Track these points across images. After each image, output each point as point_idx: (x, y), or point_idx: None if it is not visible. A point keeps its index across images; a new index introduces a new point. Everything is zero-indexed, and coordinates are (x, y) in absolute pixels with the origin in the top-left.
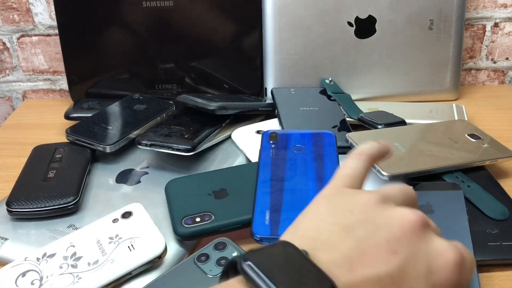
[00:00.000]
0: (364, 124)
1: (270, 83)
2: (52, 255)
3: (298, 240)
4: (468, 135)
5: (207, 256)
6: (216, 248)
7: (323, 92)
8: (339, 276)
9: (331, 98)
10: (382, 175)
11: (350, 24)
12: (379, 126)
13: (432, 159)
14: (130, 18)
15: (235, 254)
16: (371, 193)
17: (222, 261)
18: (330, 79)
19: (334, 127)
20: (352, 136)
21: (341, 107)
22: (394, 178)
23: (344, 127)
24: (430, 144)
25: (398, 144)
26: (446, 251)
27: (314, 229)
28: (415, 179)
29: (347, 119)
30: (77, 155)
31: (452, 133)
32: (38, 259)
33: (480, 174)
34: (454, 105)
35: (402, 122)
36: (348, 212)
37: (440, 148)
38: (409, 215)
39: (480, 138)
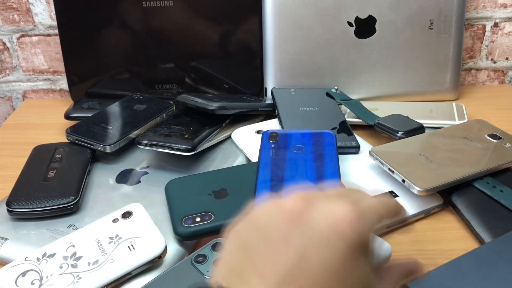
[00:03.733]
0: (381, 130)
1: (270, 83)
2: (52, 255)
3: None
4: (488, 135)
5: (204, 257)
6: (214, 249)
7: (323, 92)
8: None
9: (331, 97)
10: (415, 190)
11: (350, 24)
12: (398, 134)
13: (460, 167)
14: (130, 18)
15: None
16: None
17: None
18: (336, 88)
19: (334, 127)
20: (377, 152)
21: (341, 109)
22: (427, 192)
23: (344, 127)
24: (454, 151)
25: (423, 155)
26: (333, 213)
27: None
28: (448, 190)
29: (348, 119)
30: (77, 155)
31: (472, 135)
32: (38, 259)
33: (507, 176)
34: (454, 104)
35: (420, 128)
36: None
37: (465, 154)
38: (286, 203)
39: (501, 138)
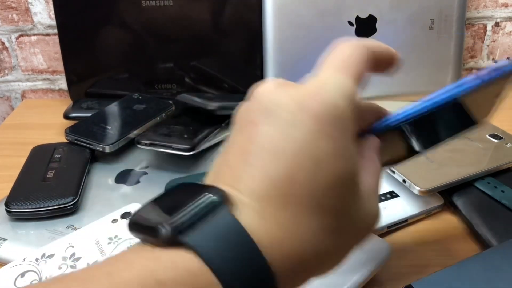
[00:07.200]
0: None
1: None
2: (51, 256)
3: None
4: (489, 135)
5: None
6: None
7: None
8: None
9: None
10: (416, 190)
11: (350, 23)
12: None
13: (461, 167)
14: (129, 17)
15: None
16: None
17: None
18: None
19: None
20: None
21: None
22: (428, 192)
23: None
24: (455, 151)
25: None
26: (298, 91)
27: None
28: (449, 190)
29: None
30: (76, 155)
31: (473, 135)
32: (37, 259)
33: (508, 176)
34: None
35: None
36: None
37: (466, 154)
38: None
39: (502, 138)
